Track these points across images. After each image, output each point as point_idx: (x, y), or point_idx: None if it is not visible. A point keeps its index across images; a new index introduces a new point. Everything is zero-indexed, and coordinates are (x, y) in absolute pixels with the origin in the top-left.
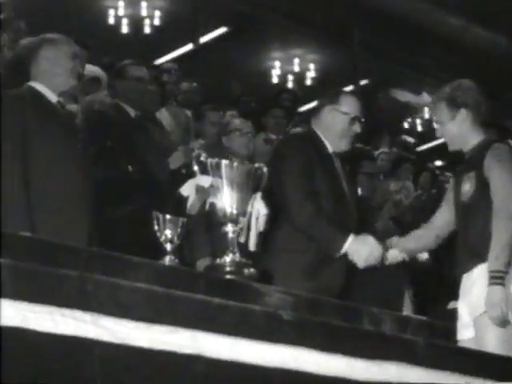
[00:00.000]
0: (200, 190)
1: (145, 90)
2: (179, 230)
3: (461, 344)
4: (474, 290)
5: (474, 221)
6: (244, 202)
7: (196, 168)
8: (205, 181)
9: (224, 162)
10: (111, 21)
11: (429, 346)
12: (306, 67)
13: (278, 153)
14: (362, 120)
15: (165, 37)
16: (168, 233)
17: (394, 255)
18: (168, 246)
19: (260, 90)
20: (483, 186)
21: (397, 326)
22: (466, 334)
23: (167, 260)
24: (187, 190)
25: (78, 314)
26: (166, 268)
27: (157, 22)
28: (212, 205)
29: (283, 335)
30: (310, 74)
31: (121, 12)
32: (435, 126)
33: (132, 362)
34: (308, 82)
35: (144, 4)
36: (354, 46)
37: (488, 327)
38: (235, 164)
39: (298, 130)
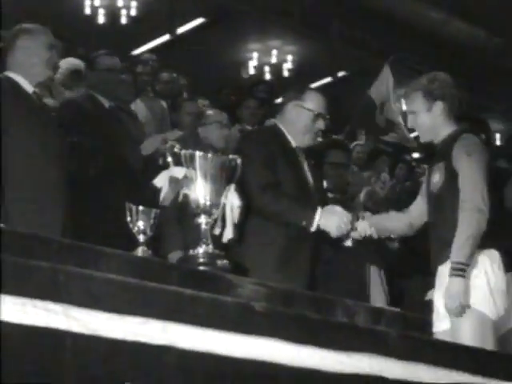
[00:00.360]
0: (173, 181)
1: (117, 80)
2: (152, 221)
3: (436, 336)
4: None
5: (443, 211)
6: (218, 193)
7: (170, 159)
8: (178, 172)
9: (198, 153)
10: (87, 11)
11: (402, 337)
12: (283, 58)
13: (240, 147)
14: (327, 117)
15: (142, 27)
16: (141, 224)
17: (364, 227)
18: (141, 237)
19: (237, 82)
20: (452, 176)
21: (370, 317)
22: (441, 326)
23: (140, 251)
24: (161, 181)
25: (50, 305)
26: (139, 259)
27: (133, 12)
28: (185, 196)
29: (255, 327)
30: (288, 66)
31: (97, 2)
32: (408, 116)
33: (104, 353)
34: (285, 74)
35: None
36: (331, 38)
37: (463, 319)
38: (209, 156)
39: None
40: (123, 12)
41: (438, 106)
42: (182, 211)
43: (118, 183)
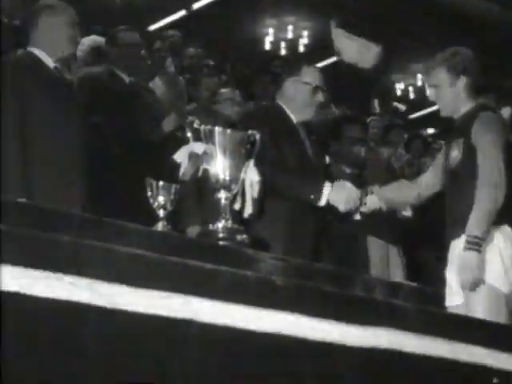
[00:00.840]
0: (193, 156)
1: (138, 55)
2: (172, 196)
3: (450, 310)
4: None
5: (460, 187)
6: (237, 168)
7: (189, 135)
8: (198, 147)
9: (217, 128)
10: None
11: (419, 312)
12: (299, 34)
13: (243, 126)
14: (325, 89)
15: (157, 3)
16: (161, 199)
17: (373, 201)
18: (161, 213)
19: (253, 57)
20: (470, 153)
21: (388, 292)
22: (453, 301)
23: (160, 226)
24: (180, 156)
25: (74, 279)
26: (159, 233)
27: None
28: (205, 171)
29: (276, 301)
30: (303, 41)
31: None
32: (429, 90)
33: (126, 327)
34: (301, 49)
35: None
36: (346, 14)
37: (477, 293)
38: (228, 131)
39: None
40: None
41: (462, 81)
42: (201, 186)
43: (138, 158)
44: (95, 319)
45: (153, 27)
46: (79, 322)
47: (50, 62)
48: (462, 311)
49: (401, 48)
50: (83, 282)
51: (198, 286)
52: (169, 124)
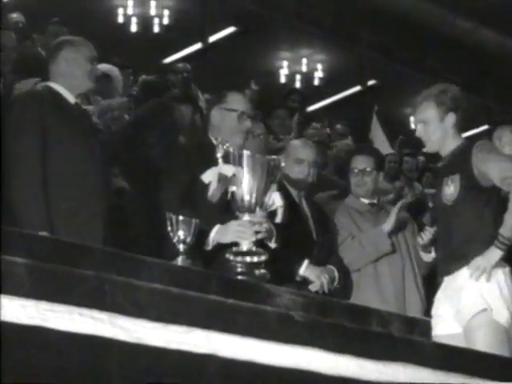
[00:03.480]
0: (223, 178)
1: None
2: (192, 230)
3: (438, 339)
4: (463, 295)
5: (458, 222)
6: (263, 192)
7: (219, 155)
8: (228, 170)
9: (246, 152)
10: (120, 19)
11: (436, 347)
12: (313, 67)
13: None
14: (251, 115)
15: (174, 36)
16: (181, 234)
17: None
18: (181, 247)
19: (268, 91)
20: (469, 187)
21: (405, 327)
22: (449, 329)
23: (180, 260)
24: (209, 177)
25: (96, 313)
26: (179, 268)
27: (166, 20)
28: (233, 194)
29: (295, 336)
30: (318, 74)
31: (130, 11)
32: (417, 125)
33: (148, 362)
34: (316, 82)
35: (153, 3)
36: (361, 47)
37: (479, 327)
38: (257, 155)
39: None
40: (156, 21)
41: (451, 118)
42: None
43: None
44: (117, 353)
45: (168, 59)
46: (101, 355)
47: (70, 98)
48: (457, 341)
49: (414, 81)
50: (105, 316)
51: (218, 321)
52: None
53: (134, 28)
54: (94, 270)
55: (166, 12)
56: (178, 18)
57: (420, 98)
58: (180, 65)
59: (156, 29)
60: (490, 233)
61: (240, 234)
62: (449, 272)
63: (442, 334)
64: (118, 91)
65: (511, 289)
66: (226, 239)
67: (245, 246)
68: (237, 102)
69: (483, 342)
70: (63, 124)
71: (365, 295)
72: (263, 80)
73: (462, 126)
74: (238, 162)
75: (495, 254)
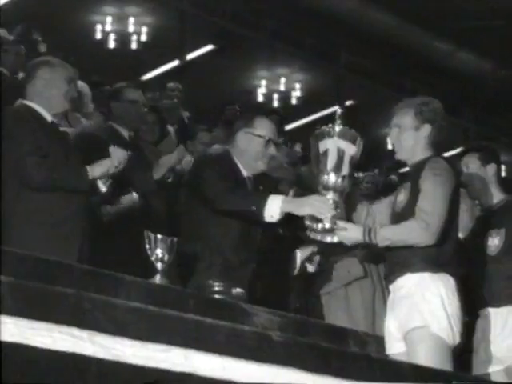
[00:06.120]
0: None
1: (139, 111)
2: (170, 249)
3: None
4: (404, 304)
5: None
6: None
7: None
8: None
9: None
10: (98, 36)
11: (413, 368)
12: (291, 86)
13: (196, 171)
14: (278, 142)
15: (151, 53)
16: (159, 252)
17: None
18: (159, 265)
19: (245, 109)
20: (414, 197)
21: (381, 347)
22: (396, 348)
23: (158, 279)
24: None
25: (75, 331)
26: (157, 287)
27: (144, 37)
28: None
29: (273, 355)
30: (296, 94)
31: (108, 27)
32: (391, 129)
33: (127, 379)
34: (293, 102)
35: (131, 20)
36: (339, 67)
37: (422, 343)
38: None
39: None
40: (133, 37)
41: (426, 129)
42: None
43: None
44: (96, 371)
45: (146, 77)
46: (80, 373)
47: (47, 116)
48: (403, 359)
49: (392, 102)
50: (84, 334)
51: (197, 340)
52: (158, 171)
53: (111, 44)
54: (72, 288)
55: (144, 29)
56: (155, 35)
57: (401, 104)
58: (171, 84)
59: (134, 46)
60: None
61: (319, 209)
62: (392, 280)
63: (395, 353)
64: (88, 108)
65: (454, 302)
66: (303, 211)
67: (327, 224)
68: (264, 128)
69: (424, 358)
70: (41, 141)
71: (335, 317)
72: (241, 98)
73: (435, 142)
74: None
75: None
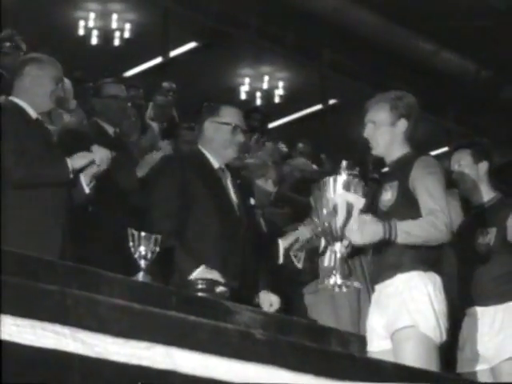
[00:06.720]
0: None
1: (122, 107)
2: (153, 246)
3: (373, 355)
4: (392, 303)
5: None
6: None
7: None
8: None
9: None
10: (81, 32)
11: (396, 367)
12: (274, 85)
13: (156, 171)
14: (245, 129)
15: (134, 49)
16: (142, 249)
17: None
18: (142, 263)
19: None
20: (404, 196)
21: (363, 346)
22: (381, 346)
23: (141, 276)
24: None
25: (58, 327)
26: (140, 284)
27: (127, 34)
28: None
29: (255, 353)
30: (279, 92)
31: (91, 24)
32: (367, 125)
33: (109, 377)
34: (276, 100)
35: (114, 16)
36: (323, 66)
37: (408, 342)
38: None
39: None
40: (117, 34)
41: (402, 124)
42: None
43: (118, 211)
44: (79, 368)
45: (129, 73)
46: (63, 370)
47: (32, 113)
48: (389, 357)
49: None
50: (67, 331)
51: (179, 338)
52: (141, 168)
53: (94, 41)
54: (55, 285)
55: (128, 26)
56: (139, 31)
57: (375, 99)
58: (166, 84)
59: (117, 42)
60: None
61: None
62: (378, 281)
63: (377, 351)
64: (71, 104)
65: (441, 300)
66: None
67: (339, 280)
68: (230, 115)
69: (411, 356)
70: (25, 137)
71: (320, 315)
72: (223, 96)
73: (410, 136)
74: (356, 191)
75: (376, 225)
